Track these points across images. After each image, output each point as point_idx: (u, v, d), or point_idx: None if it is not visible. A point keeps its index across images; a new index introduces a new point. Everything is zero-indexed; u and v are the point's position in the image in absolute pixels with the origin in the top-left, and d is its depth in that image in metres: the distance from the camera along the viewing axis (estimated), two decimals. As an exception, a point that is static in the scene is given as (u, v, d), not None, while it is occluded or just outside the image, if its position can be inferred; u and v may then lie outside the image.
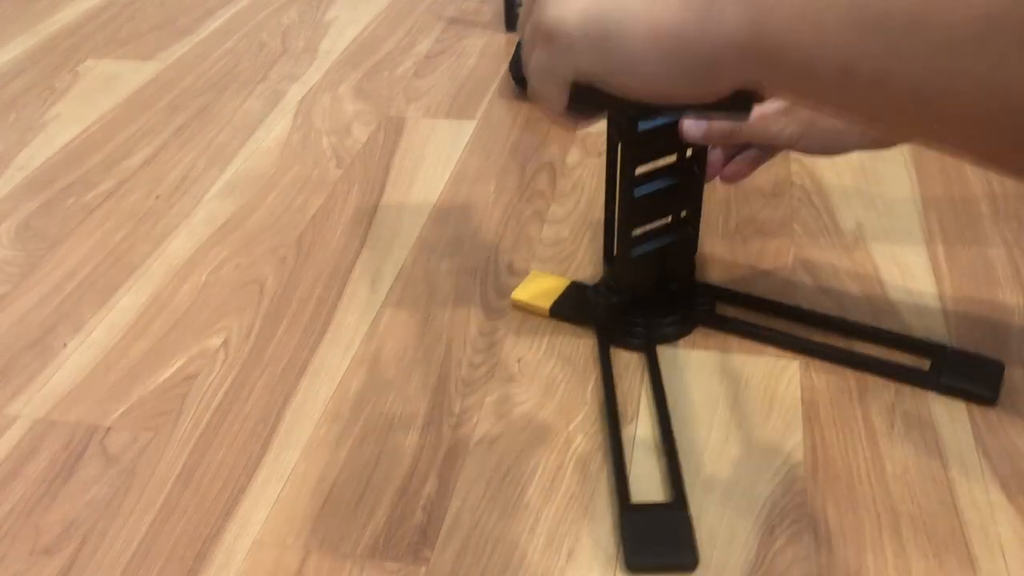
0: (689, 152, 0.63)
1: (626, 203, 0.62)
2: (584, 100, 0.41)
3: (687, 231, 0.67)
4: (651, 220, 0.65)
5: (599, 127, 0.95)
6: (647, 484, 0.57)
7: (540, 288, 0.72)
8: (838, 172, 0.87)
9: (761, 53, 0.33)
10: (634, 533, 0.53)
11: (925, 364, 0.64)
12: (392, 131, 0.96)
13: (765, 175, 0.86)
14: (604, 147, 0.91)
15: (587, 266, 0.75)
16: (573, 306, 0.70)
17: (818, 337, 0.67)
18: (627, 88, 0.38)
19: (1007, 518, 0.54)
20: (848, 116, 0.34)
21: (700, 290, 0.71)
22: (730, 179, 0.67)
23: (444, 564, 0.52)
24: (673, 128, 0.61)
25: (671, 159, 0.63)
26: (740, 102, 0.39)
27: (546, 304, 0.70)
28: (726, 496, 0.56)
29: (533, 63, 0.41)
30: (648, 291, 0.68)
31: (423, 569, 0.52)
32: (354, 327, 0.70)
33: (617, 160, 0.62)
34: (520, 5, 0.44)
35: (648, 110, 0.57)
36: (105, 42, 1.18)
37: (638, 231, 0.65)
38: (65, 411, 0.63)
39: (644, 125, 0.60)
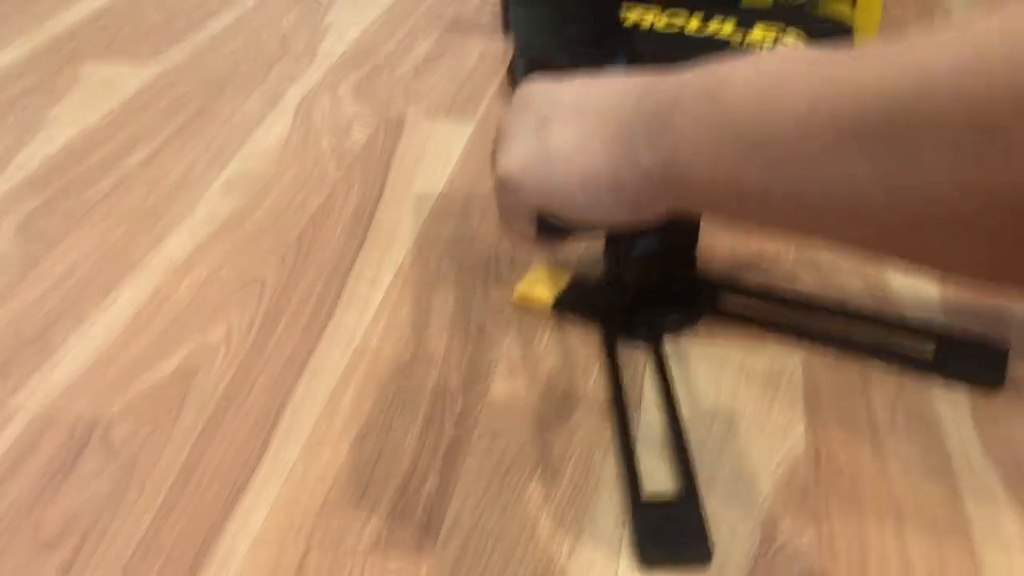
0: None
1: None
2: (547, 228, 0.49)
3: (690, 225, 0.67)
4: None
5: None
6: (654, 478, 0.57)
7: (542, 282, 0.72)
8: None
9: (673, 186, 0.40)
10: (647, 528, 0.53)
11: (929, 352, 0.64)
12: (392, 132, 0.96)
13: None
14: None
15: (587, 263, 0.75)
16: (577, 300, 0.70)
17: (821, 326, 0.67)
18: (576, 219, 0.46)
19: (1011, 512, 0.54)
20: (761, 230, 0.39)
21: (703, 283, 0.71)
22: None
23: (446, 561, 0.52)
24: None
25: None
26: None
27: (548, 297, 0.70)
28: (728, 491, 0.56)
29: (498, 205, 0.50)
30: (652, 286, 0.69)
31: (424, 566, 0.52)
32: (354, 325, 0.70)
33: None
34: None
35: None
36: (105, 44, 1.18)
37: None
38: (66, 405, 0.63)
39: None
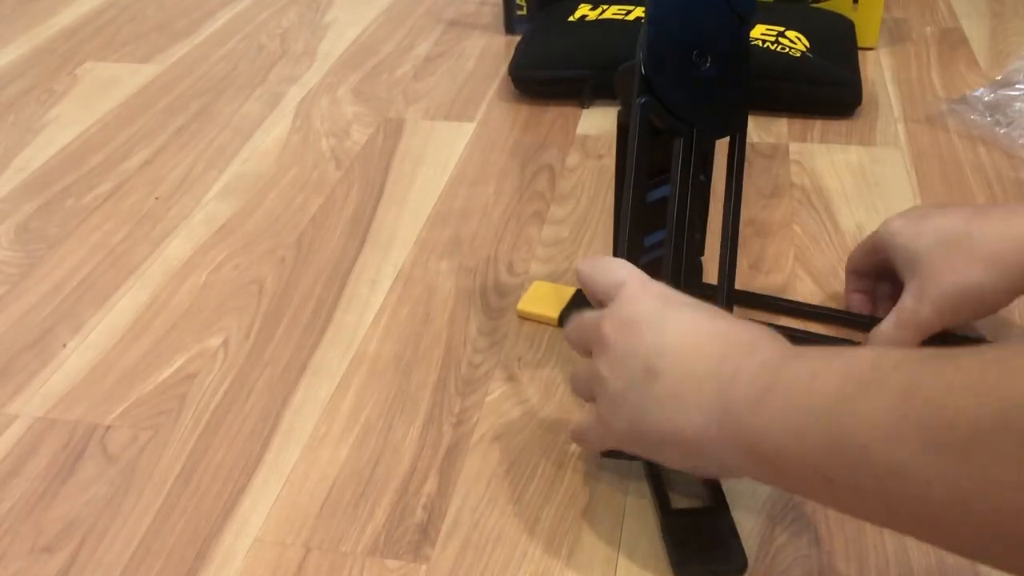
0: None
1: (637, 209, 0.60)
2: (617, 455, 0.54)
3: (695, 236, 0.65)
4: (662, 226, 0.64)
5: (598, 130, 0.95)
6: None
7: (545, 297, 0.71)
8: (838, 174, 0.87)
9: (760, 463, 0.43)
10: (679, 539, 0.52)
11: None
12: (391, 133, 0.96)
13: (764, 176, 0.86)
14: (604, 150, 0.92)
15: None
16: None
17: (820, 331, 0.67)
18: (653, 458, 0.51)
19: (1008, 516, 0.54)
20: (835, 508, 0.44)
21: (707, 291, 0.70)
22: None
23: (444, 562, 0.52)
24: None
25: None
26: None
27: (554, 313, 0.69)
28: (728, 492, 0.55)
29: (587, 437, 0.55)
30: None
31: (423, 567, 0.52)
32: (354, 327, 0.70)
33: (628, 166, 0.60)
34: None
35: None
36: (104, 44, 1.18)
37: (649, 239, 0.64)
38: (65, 410, 0.63)
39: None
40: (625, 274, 0.52)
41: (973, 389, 0.32)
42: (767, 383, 0.42)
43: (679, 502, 0.55)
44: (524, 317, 0.70)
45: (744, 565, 0.51)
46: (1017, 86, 0.96)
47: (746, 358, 0.45)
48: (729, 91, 0.60)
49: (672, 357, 0.47)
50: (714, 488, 0.55)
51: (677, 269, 0.60)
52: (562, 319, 0.69)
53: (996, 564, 0.35)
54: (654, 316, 0.49)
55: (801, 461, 0.40)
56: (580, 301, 0.69)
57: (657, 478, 0.56)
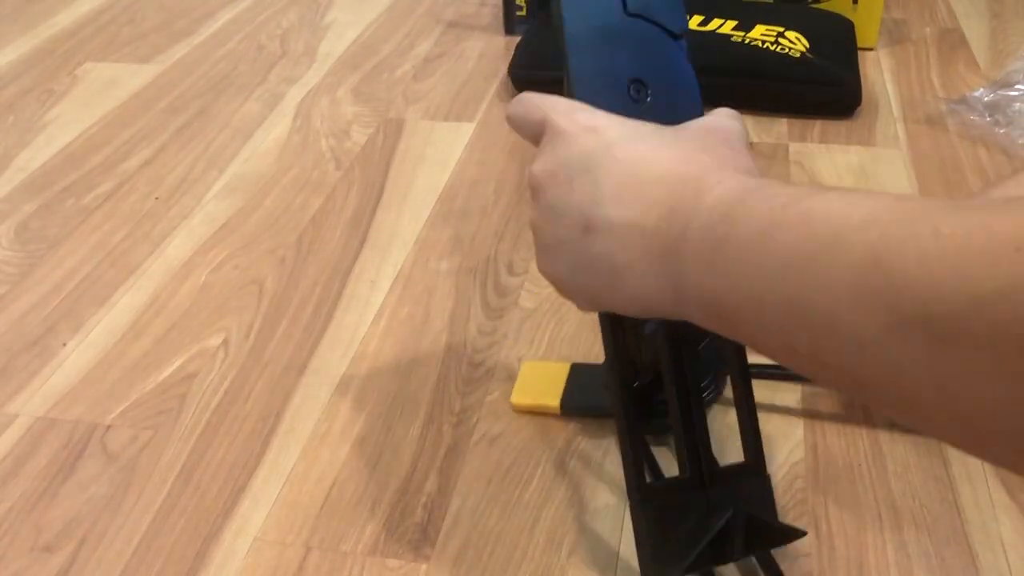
0: None
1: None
2: None
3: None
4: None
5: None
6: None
7: (539, 383, 0.63)
8: (838, 173, 0.87)
9: (722, 321, 0.38)
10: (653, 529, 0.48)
11: None
12: (391, 133, 0.96)
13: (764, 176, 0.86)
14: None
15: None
16: (584, 394, 0.62)
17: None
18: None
19: (1008, 516, 0.54)
20: (810, 378, 0.38)
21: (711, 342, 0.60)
22: None
23: (445, 562, 0.52)
24: None
25: None
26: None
27: (554, 401, 0.61)
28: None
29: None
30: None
31: (424, 567, 0.52)
32: (354, 327, 0.70)
33: None
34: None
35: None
36: (104, 44, 1.18)
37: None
38: (65, 409, 0.63)
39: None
40: (547, 108, 0.45)
41: (952, 263, 0.28)
42: (721, 235, 0.37)
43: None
44: (521, 411, 0.62)
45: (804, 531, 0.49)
46: (1017, 86, 0.96)
47: (696, 200, 0.39)
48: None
49: (611, 211, 0.41)
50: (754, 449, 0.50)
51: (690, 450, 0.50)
52: (564, 406, 0.61)
53: (979, 454, 0.31)
54: (586, 160, 0.42)
55: (763, 327, 0.35)
56: (578, 377, 0.63)
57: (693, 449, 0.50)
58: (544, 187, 0.43)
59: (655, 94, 0.48)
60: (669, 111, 0.47)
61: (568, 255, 0.43)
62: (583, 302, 0.45)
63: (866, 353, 0.31)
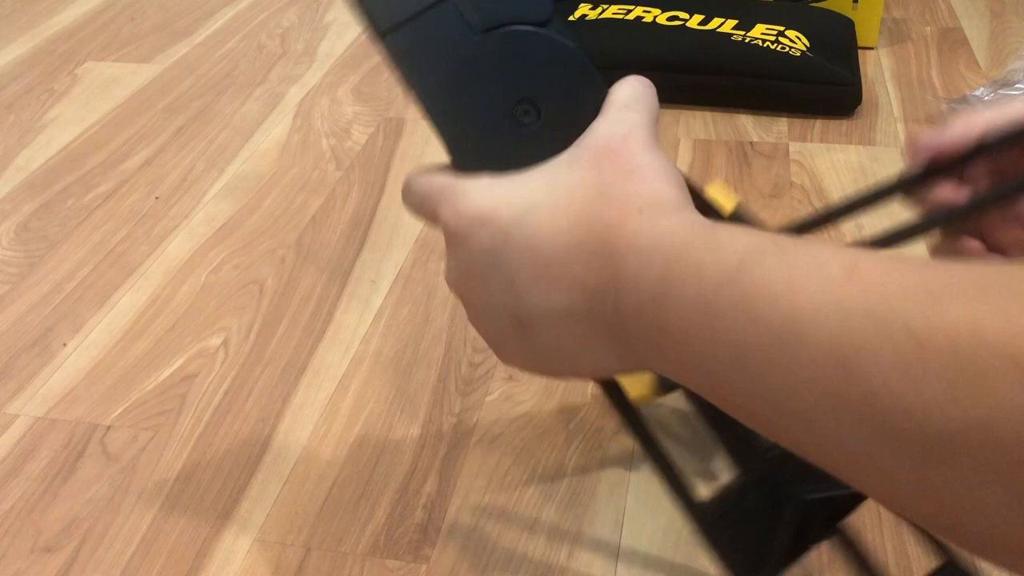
0: None
1: None
2: None
3: None
4: None
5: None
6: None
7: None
8: (838, 173, 0.87)
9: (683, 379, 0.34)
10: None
11: None
12: (391, 133, 0.96)
13: (764, 176, 0.86)
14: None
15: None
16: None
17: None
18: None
19: (1008, 516, 0.54)
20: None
21: None
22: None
23: (444, 562, 0.52)
24: None
25: None
26: None
27: (643, 390, 0.55)
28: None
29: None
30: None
31: (424, 567, 0.52)
32: (354, 327, 0.70)
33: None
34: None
35: None
36: (104, 44, 1.18)
37: None
38: (65, 410, 0.63)
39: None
40: (433, 203, 0.40)
41: (938, 375, 0.24)
42: (657, 320, 0.33)
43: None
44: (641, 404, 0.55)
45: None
46: (1017, 86, 0.96)
47: (615, 280, 0.34)
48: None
49: (536, 302, 0.37)
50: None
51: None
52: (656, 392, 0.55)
53: (988, 560, 0.27)
54: (488, 258, 0.38)
55: (734, 407, 0.31)
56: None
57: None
58: (462, 293, 0.40)
59: (545, 103, 0.40)
60: (568, 115, 0.40)
61: (517, 349, 0.39)
62: (556, 377, 0.41)
63: (850, 455, 0.27)
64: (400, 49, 0.39)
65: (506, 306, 0.38)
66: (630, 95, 0.39)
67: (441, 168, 0.41)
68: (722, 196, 0.57)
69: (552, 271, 0.36)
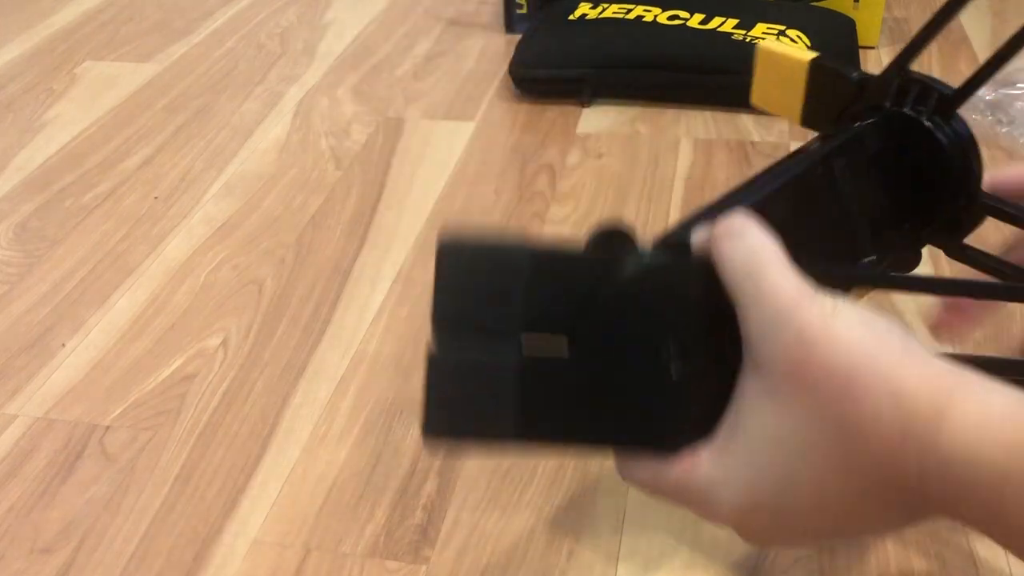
0: None
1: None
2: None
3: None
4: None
5: (598, 129, 0.95)
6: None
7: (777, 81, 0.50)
8: (838, 173, 0.86)
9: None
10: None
11: None
12: (391, 132, 0.96)
13: (765, 176, 0.86)
14: (604, 149, 0.91)
15: None
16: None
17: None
18: None
19: (1009, 517, 0.54)
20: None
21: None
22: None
23: (444, 563, 0.52)
24: None
25: None
26: None
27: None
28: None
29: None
30: None
31: (423, 568, 0.52)
32: (353, 327, 0.70)
33: None
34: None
35: None
36: (103, 44, 1.18)
37: None
38: (64, 410, 0.63)
39: None
40: (696, 511, 0.37)
41: None
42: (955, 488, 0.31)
43: None
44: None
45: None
46: (1018, 85, 0.96)
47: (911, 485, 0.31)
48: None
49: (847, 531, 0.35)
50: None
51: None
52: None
53: None
54: (779, 526, 0.35)
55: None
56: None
57: None
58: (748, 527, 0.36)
59: (672, 340, 0.35)
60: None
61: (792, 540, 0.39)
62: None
63: None
64: None
65: (804, 531, 0.35)
66: (746, 256, 0.31)
67: (653, 463, 0.37)
68: (795, 49, 0.51)
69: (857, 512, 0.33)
